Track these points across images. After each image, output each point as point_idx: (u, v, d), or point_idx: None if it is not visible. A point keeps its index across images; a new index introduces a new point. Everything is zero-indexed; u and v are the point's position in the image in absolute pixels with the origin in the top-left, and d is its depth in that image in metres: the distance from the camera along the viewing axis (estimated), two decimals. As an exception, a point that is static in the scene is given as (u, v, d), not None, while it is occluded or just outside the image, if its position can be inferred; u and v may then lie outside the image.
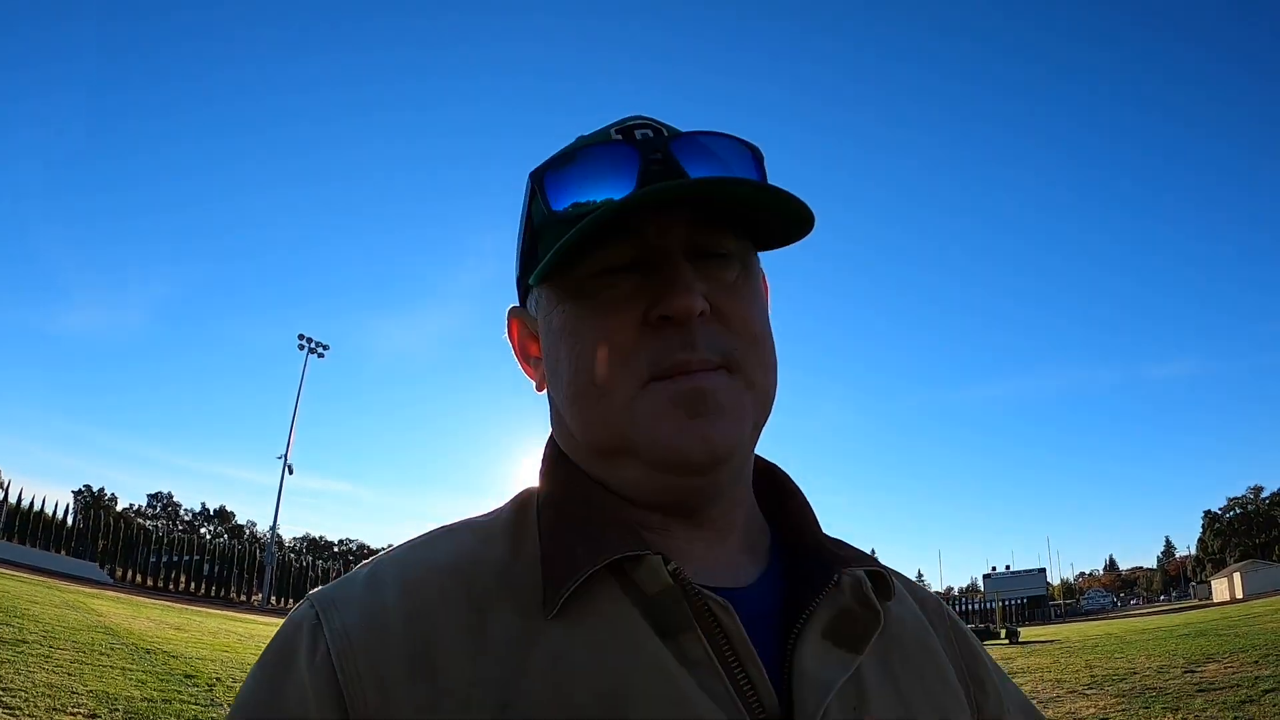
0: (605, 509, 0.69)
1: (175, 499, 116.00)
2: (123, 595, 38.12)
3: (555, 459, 0.77)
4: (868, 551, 0.78)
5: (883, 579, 0.74)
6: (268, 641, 0.66)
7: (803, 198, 0.67)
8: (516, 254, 0.80)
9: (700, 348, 0.67)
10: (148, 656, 14.38)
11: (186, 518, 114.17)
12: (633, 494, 0.71)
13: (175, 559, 62.48)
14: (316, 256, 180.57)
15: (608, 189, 0.69)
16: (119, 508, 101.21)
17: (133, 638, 17.13)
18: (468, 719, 0.58)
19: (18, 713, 7.98)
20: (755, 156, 0.74)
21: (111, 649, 14.35)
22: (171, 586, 58.88)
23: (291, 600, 57.63)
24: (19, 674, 9.96)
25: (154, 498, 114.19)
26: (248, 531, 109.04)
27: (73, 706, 8.60)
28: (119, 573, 58.73)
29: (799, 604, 0.69)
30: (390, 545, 0.74)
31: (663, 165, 0.69)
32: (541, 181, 0.72)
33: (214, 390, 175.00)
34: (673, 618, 0.63)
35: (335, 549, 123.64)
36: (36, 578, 35.48)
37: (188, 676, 12.61)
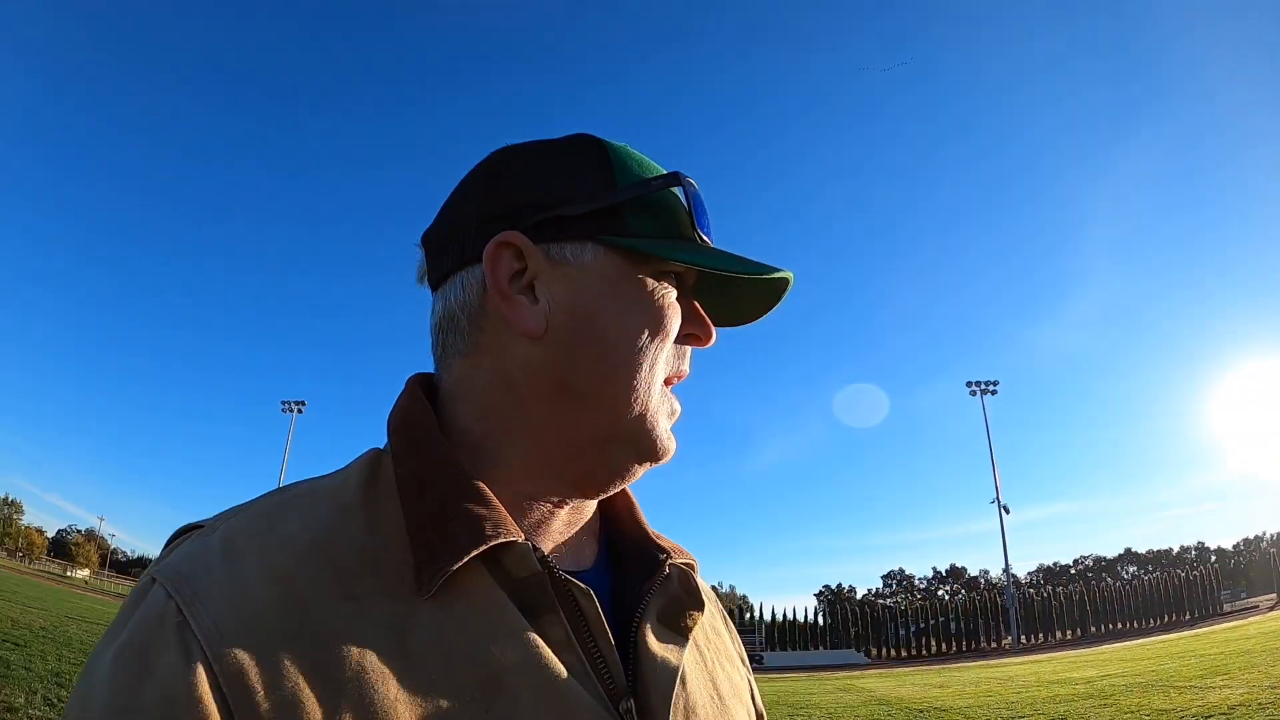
0: (473, 488, 0.71)
1: (907, 572, 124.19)
2: (883, 670, 41.10)
3: (418, 425, 0.76)
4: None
5: (695, 567, 0.85)
6: (125, 629, 0.61)
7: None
8: (565, 189, 0.76)
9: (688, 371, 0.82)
10: (921, 715, 15.78)
11: (921, 585, 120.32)
12: (583, 463, 0.77)
13: (921, 626, 65.51)
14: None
15: (710, 231, 0.81)
16: (858, 596, 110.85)
17: (903, 703, 18.72)
18: (359, 713, 0.58)
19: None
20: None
21: (890, 715, 16.10)
22: (924, 652, 61.69)
23: (1041, 635, 57.00)
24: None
25: (887, 577, 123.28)
26: (982, 581, 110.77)
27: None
28: (873, 652, 63.48)
29: (630, 587, 0.78)
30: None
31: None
32: (690, 188, 0.79)
33: (905, 466, 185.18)
34: (538, 600, 0.68)
35: (1072, 570, 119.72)
36: (801, 675, 40.12)
37: (960, 726, 13.49)
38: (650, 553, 0.81)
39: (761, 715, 0.93)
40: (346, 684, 0.59)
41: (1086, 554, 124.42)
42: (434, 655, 0.63)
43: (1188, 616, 50.55)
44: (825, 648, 65.36)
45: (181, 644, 0.58)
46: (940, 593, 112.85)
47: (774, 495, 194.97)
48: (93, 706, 0.57)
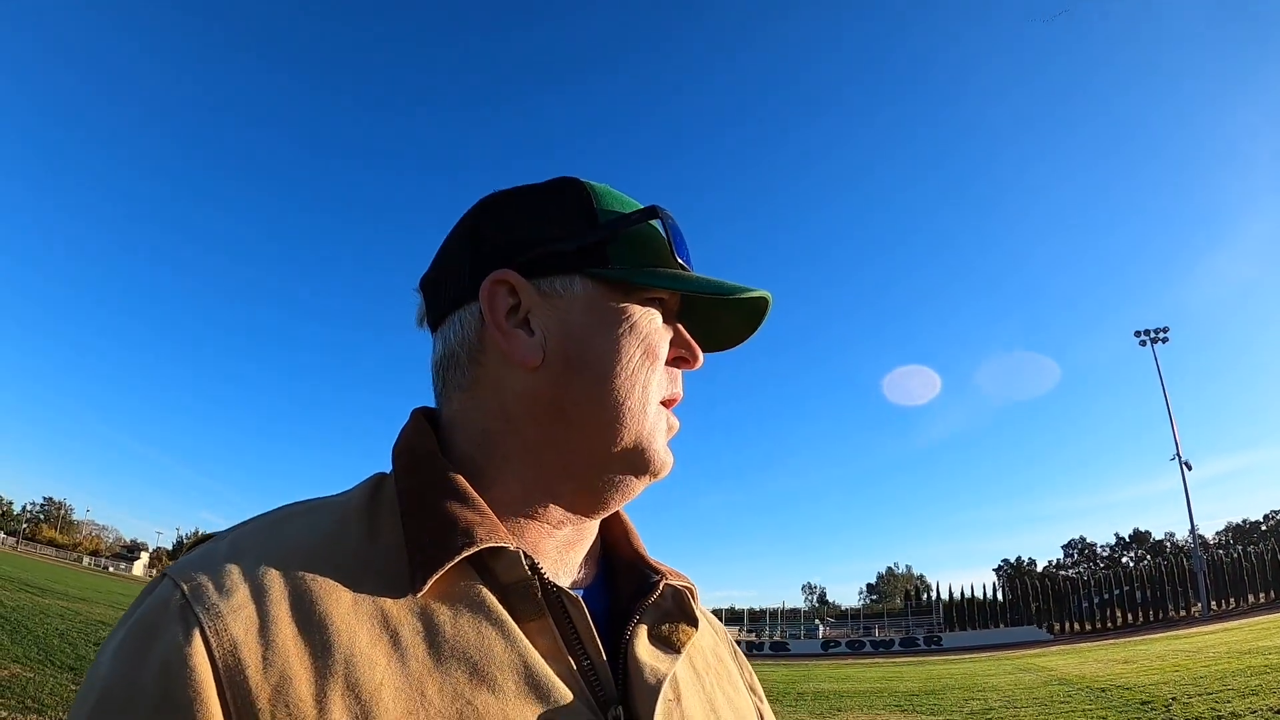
0: (470, 502, 0.74)
1: (1089, 540, 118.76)
2: (1066, 647, 39.74)
3: (419, 450, 0.80)
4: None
5: (693, 595, 0.88)
6: (133, 615, 0.66)
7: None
8: (554, 230, 0.82)
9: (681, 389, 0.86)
10: (1103, 695, 15.48)
11: (1104, 553, 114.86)
12: (578, 486, 0.81)
13: (1105, 597, 62.55)
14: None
15: (688, 259, 0.85)
16: (1038, 568, 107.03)
17: (1085, 681, 18.40)
18: (347, 697, 0.62)
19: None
20: None
21: (1070, 696, 15.86)
22: (1109, 624, 58.97)
23: (1232, 600, 53.98)
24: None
25: (1068, 546, 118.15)
26: (1168, 544, 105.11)
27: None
28: (1055, 627, 61.21)
29: (626, 606, 0.81)
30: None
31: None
32: (667, 220, 0.84)
33: (1078, 428, 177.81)
34: (527, 606, 0.71)
35: (1264, 527, 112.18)
36: (981, 655, 39.26)
37: (1144, 704, 13.35)
38: (645, 574, 0.85)
39: None
40: (335, 665, 0.63)
41: (1278, 508, 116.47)
42: (422, 647, 0.67)
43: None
44: (1006, 625, 63.59)
45: (183, 622, 0.62)
46: (1124, 560, 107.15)
47: (944, 470, 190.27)
48: (98, 680, 0.63)
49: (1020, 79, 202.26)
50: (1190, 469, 57.61)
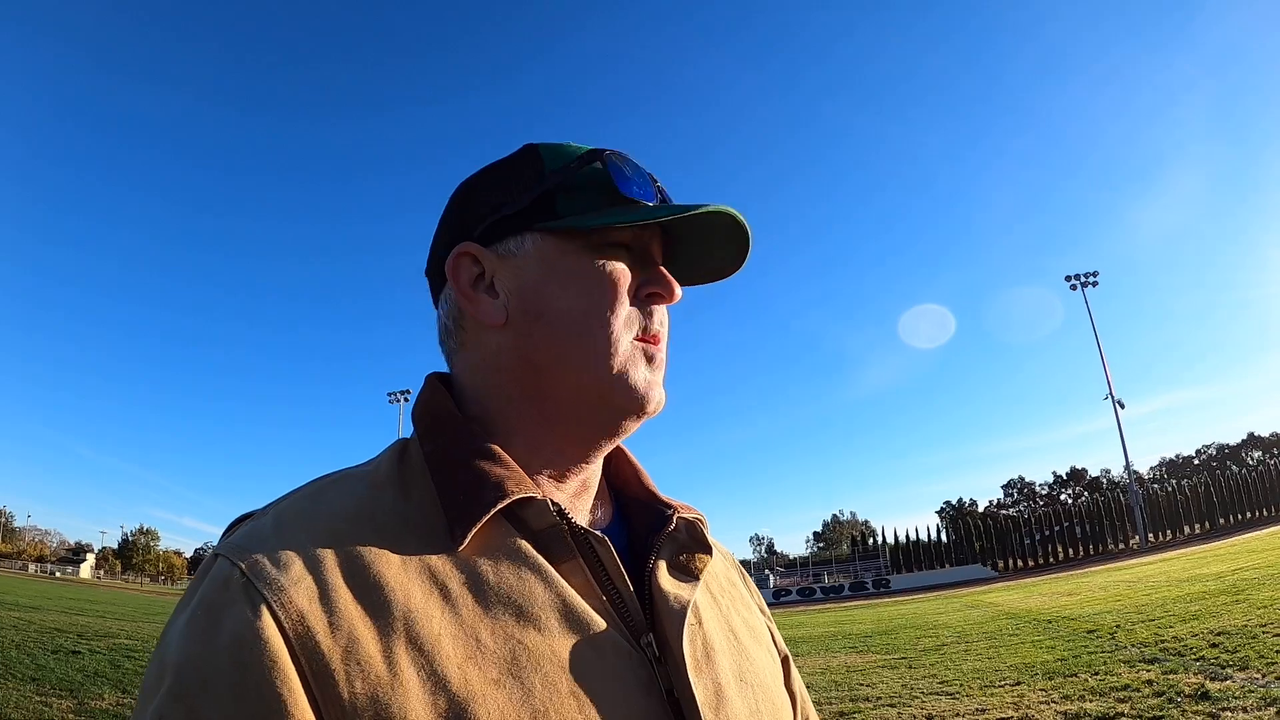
0: (495, 458, 0.80)
1: (1027, 479, 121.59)
2: (1010, 583, 40.94)
3: (440, 411, 0.86)
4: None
5: (704, 524, 0.94)
6: (193, 597, 0.69)
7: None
8: (500, 196, 0.88)
9: (665, 326, 0.89)
10: (1050, 626, 15.98)
11: (1043, 492, 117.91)
12: (568, 430, 0.86)
13: (1046, 534, 64.43)
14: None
15: (644, 194, 0.87)
16: (980, 509, 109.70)
17: (1032, 614, 18.97)
18: (412, 650, 0.67)
19: (959, 693, 9.86)
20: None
21: (1018, 629, 16.30)
22: (1050, 560, 60.79)
23: (1168, 531, 55.90)
24: (948, 668, 12.22)
25: (1007, 486, 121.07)
26: (1104, 481, 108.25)
27: (999, 681, 10.36)
28: (999, 565, 63.00)
29: (643, 541, 0.87)
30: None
31: (664, 196, 0.90)
32: (607, 159, 0.87)
33: (1013, 371, 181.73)
34: (559, 548, 0.78)
35: (1195, 461, 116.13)
36: (929, 595, 40.21)
37: (1090, 633, 13.79)
38: (659, 510, 0.91)
39: (786, 657, 1.02)
40: (396, 622, 0.68)
41: (1209, 443, 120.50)
42: (470, 597, 0.72)
43: (1324, 499, 48.87)
44: (951, 565, 65.30)
45: (247, 599, 0.66)
46: (1063, 497, 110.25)
47: (885, 417, 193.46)
48: (169, 662, 0.65)
49: (959, 32, 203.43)
50: (1123, 407, 59.32)
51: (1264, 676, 8.19)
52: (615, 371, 0.83)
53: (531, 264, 0.85)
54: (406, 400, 70.83)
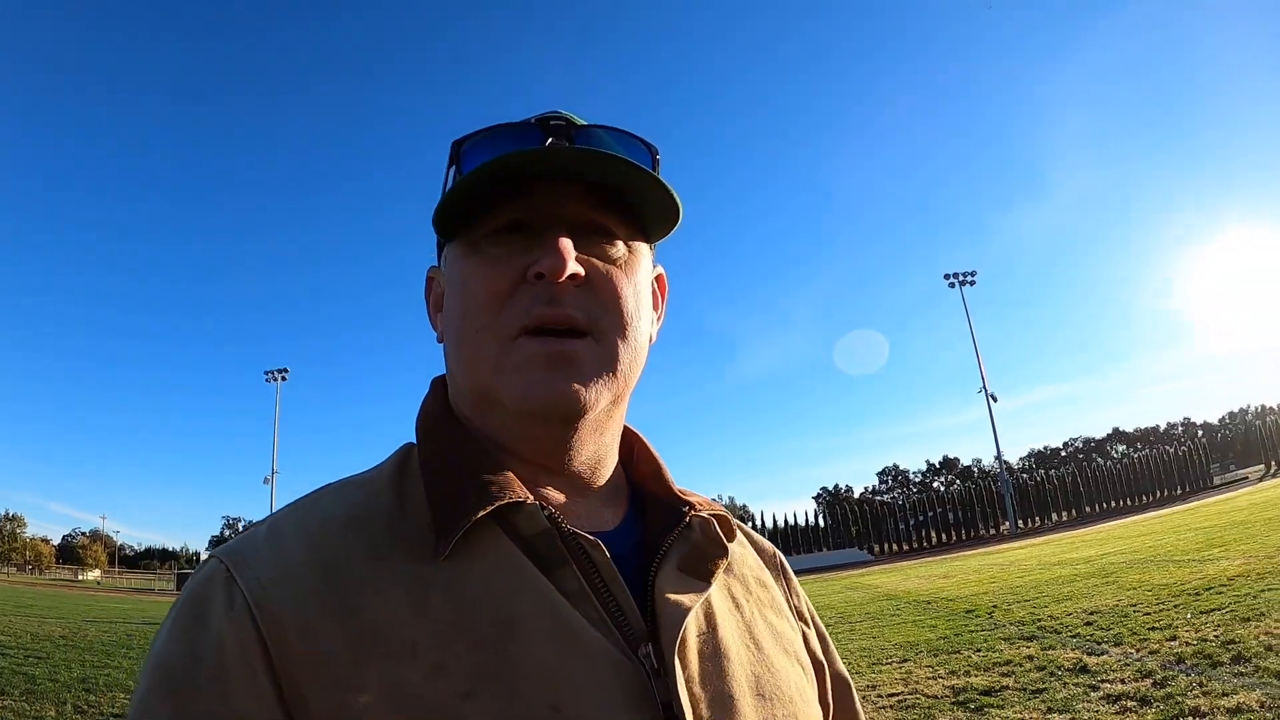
0: (485, 461, 0.78)
1: (902, 467, 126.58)
2: (888, 566, 42.19)
3: (435, 415, 0.86)
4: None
5: (726, 522, 0.89)
6: (184, 593, 0.71)
7: (679, 194, 0.80)
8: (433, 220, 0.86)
9: (565, 304, 0.77)
10: (929, 606, 16.45)
11: (916, 479, 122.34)
12: (503, 440, 0.82)
13: (920, 519, 66.84)
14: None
15: (488, 157, 0.77)
16: (856, 495, 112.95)
17: (910, 595, 19.51)
18: (379, 654, 0.66)
19: (849, 671, 9.95)
20: (650, 152, 0.84)
21: (899, 609, 16.74)
22: (925, 544, 63.05)
23: (1036, 518, 58.48)
24: (836, 647, 12.24)
25: (883, 473, 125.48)
26: (976, 470, 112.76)
27: (886, 659, 10.61)
28: (875, 549, 65.02)
29: (655, 542, 0.81)
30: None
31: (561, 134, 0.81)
32: (459, 149, 0.82)
33: (892, 362, 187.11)
34: (551, 555, 0.74)
35: (1063, 453, 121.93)
36: (808, 577, 41.16)
37: (968, 612, 14.22)
38: (675, 508, 0.86)
39: (822, 665, 0.96)
40: (368, 627, 0.67)
41: (1076, 436, 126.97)
42: (450, 606, 0.70)
43: (1179, 491, 51.83)
44: (829, 549, 66.45)
45: (228, 596, 0.68)
46: (936, 485, 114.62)
47: (764, 401, 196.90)
48: (155, 655, 0.68)
49: (854, 47, 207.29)
50: (996, 401, 61.91)
51: (1138, 652, 8.52)
52: (487, 378, 0.79)
53: (447, 280, 0.87)
54: (284, 379, 69.53)
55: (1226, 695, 6.43)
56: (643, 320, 0.85)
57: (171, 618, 0.70)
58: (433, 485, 0.78)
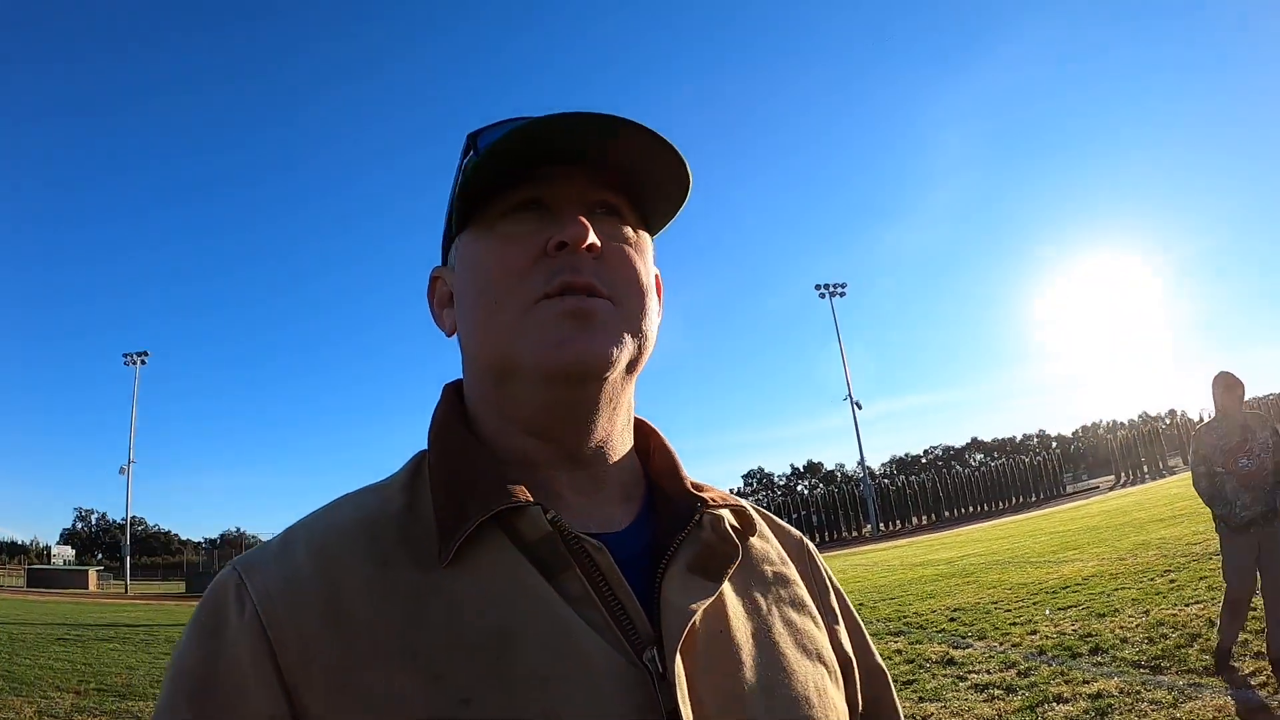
0: (489, 464, 0.78)
1: (766, 470, 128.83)
2: (756, 565, 42.68)
3: (445, 419, 0.86)
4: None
5: (744, 515, 0.88)
6: (202, 602, 0.74)
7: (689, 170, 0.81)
8: (445, 216, 0.89)
9: (585, 272, 0.77)
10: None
11: (781, 482, 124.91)
12: (520, 416, 0.81)
13: (785, 520, 68.56)
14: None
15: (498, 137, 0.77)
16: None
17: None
18: (377, 663, 0.67)
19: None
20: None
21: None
22: (791, 546, 64.49)
23: (898, 522, 60.46)
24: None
25: (747, 476, 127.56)
26: (839, 474, 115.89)
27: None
28: (744, 548, 65.86)
29: (665, 543, 0.79)
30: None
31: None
32: (475, 138, 0.84)
33: (760, 367, 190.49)
34: (554, 559, 0.73)
35: (923, 460, 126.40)
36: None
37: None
38: (687, 505, 0.83)
39: (851, 661, 0.91)
40: (367, 636, 0.68)
41: (936, 444, 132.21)
42: (450, 614, 0.70)
43: (1034, 498, 54.19)
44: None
45: (239, 603, 0.70)
46: (800, 488, 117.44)
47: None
48: (173, 661, 0.71)
49: (743, 69, 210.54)
50: (861, 408, 63.91)
51: (1000, 645, 8.87)
52: (513, 341, 0.78)
53: (459, 269, 0.86)
54: (144, 363, 65.37)
55: (1087, 683, 6.75)
56: (654, 301, 0.86)
57: (191, 625, 0.72)
58: (438, 490, 0.78)
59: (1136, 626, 8.55)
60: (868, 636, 0.97)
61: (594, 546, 0.74)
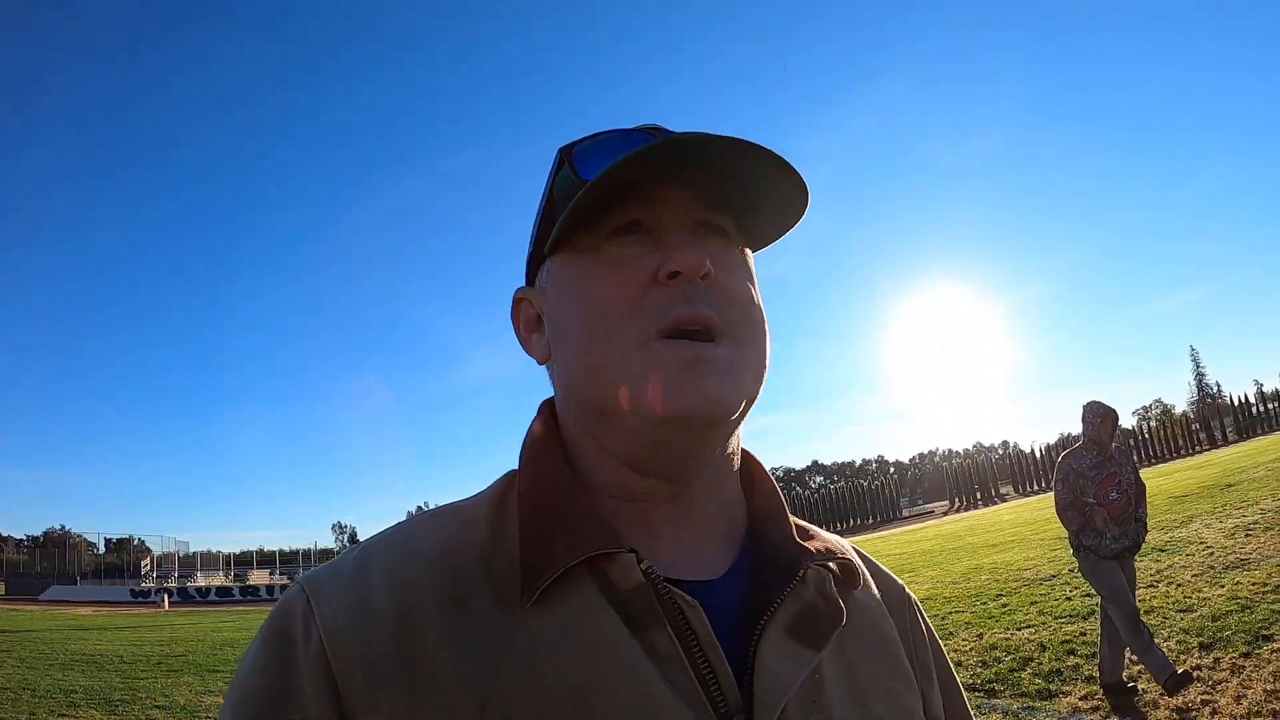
0: (582, 501, 0.73)
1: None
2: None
3: (540, 441, 0.81)
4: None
5: (850, 569, 0.81)
6: (268, 620, 0.71)
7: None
8: (532, 233, 0.85)
9: (700, 304, 0.71)
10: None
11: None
12: (627, 454, 0.75)
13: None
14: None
15: (606, 162, 0.73)
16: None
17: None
18: (444, 711, 0.63)
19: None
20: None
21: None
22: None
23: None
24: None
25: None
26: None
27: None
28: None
29: (764, 598, 0.73)
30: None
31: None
32: (571, 153, 0.79)
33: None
34: (643, 613, 0.68)
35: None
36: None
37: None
38: (791, 556, 0.76)
39: None
40: (437, 680, 0.64)
41: (777, 465, 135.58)
42: (526, 662, 0.65)
43: (871, 521, 55.89)
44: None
45: (305, 629, 0.67)
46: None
47: (481, 409, 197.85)
48: (238, 681, 0.67)
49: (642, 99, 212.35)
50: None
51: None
52: (622, 380, 0.71)
53: (552, 291, 0.80)
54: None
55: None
56: (765, 321, 0.79)
57: (256, 646, 0.69)
58: (526, 522, 0.73)
59: (970, 650, 8.72)
60: (963, 697, 0.89)
61: (687, 603, 0.68)
